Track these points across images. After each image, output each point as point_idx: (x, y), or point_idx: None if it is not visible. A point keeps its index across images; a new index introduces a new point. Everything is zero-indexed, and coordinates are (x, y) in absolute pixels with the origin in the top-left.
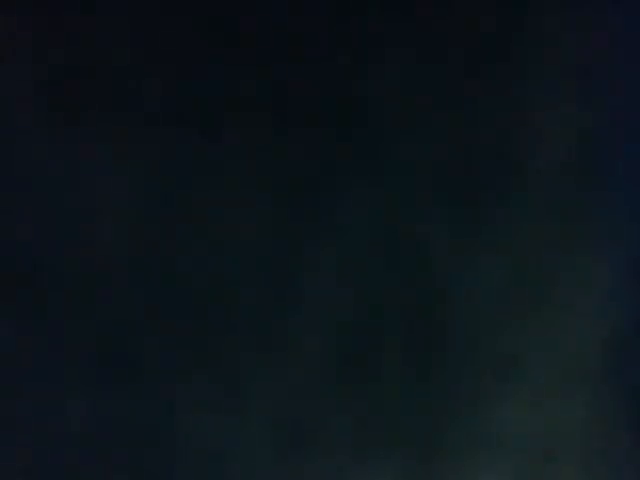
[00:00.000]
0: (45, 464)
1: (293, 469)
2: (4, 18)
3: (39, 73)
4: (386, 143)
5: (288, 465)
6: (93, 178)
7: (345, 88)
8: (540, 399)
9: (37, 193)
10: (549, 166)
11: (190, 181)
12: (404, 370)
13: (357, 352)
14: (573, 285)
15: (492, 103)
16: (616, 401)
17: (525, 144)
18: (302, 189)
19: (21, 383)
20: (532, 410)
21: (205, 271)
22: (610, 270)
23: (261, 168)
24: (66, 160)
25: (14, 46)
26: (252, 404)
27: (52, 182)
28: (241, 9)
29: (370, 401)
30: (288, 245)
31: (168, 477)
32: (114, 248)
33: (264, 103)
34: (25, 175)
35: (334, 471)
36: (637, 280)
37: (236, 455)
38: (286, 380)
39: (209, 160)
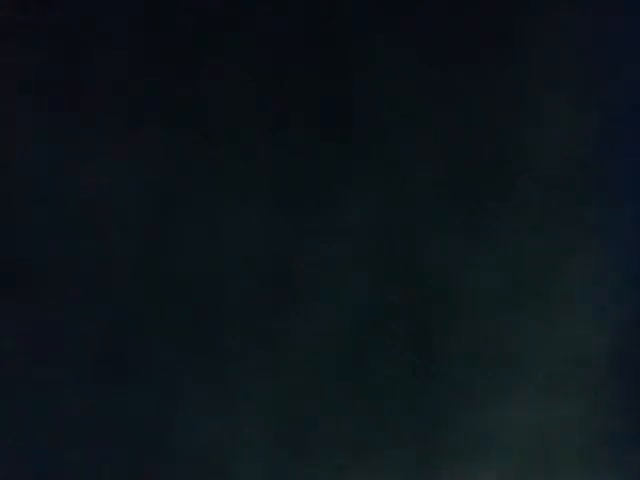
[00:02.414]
0: (44, 464)
1: (293, 469)
2: (4, 18)
3: (39, 73)
4: (386, 143)
5: (288, 465)
6: (93, 178)
7: (345, 88)
8: (540, 399)
9: (37, 193)
10: (549, 166)
11: (190, 181)
12: (404, 370)
13: (357, 352)
14: (573, 285)
15: (492, 103)
16: (616, 401)
17: (525, 144)
18: (302, 189)
19: (20, 383)
20: (532, 410)
21: (205, 271)
22: (610, 270)
23: (261, 168)
24: (66, 160)
25: (14, 46)
26: (252, 404)
27: (52, 182)
28: (242, 9)
29: (370, 401)
30: (288, 245)
31: (167, 477)
32: (114, 248)
33: (264, 103)
34: (25, 175)
35: (334, 471)
36: (637, 280)
37: (235, 455)
38: (286, 380)
39: (209, 160)
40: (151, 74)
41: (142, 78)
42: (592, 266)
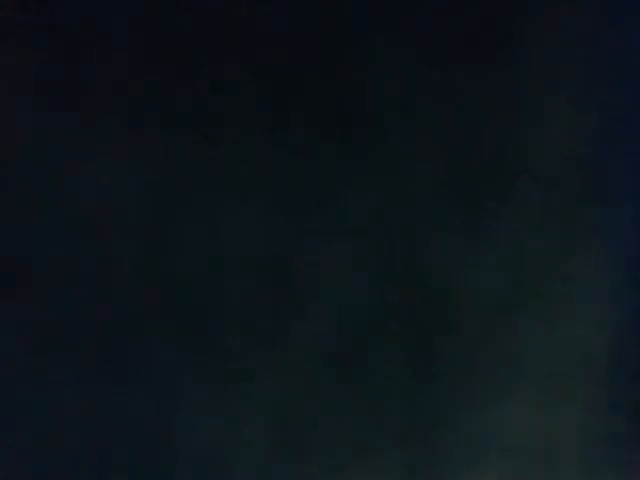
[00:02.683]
0: (43, 464)
1: (293, 469)
2: (4, 18)
3: (39, 73)
4: (386, 143)
5: (288, 465)
6: (93, 178)
7: (345, 87)
8: (540, 399)
9: (37, 193)
10: (549, 166)
11: (190, 181)
12: (404, 370)
13: (357, 352)
14: (573, 285)
15: (492, 103)
16: (616, 401)
17: (525, 144)
18: (302, 189)
19: (20, 383)
20: (532, 410)
21: (205, 271)
22: (610, 270)
23: (261, 168)
24: (66, 160)
25: (14, 46)
26: (252, 404)
27: (52, 182)
28: (242, 9)
29: (370, 401)
30: (288, 245)
31: (167, 477)
32: (114, 248)
33: (264, 103)
34: (25, 175)
35: (334, 471)
36: (637, 280)
37: (235, 455)
38: (286, 380)
39: (209, 160)
40: (151, 74)
41: (142, 78)
42: (592, 266)
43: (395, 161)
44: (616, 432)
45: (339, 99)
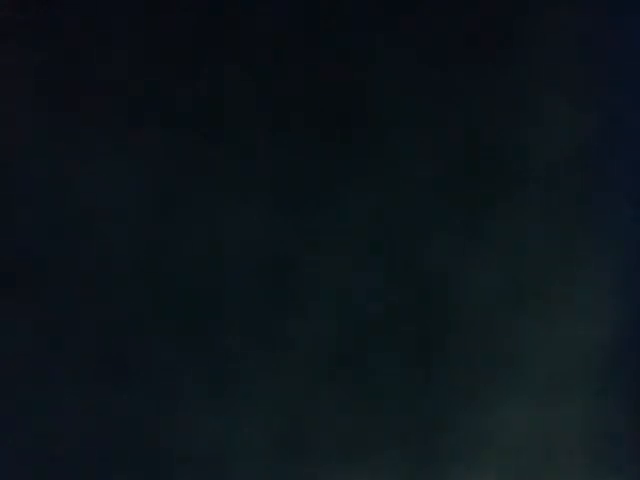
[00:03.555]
0: (44, 464)
1: (293, 469)
2: (4, 18)
3: (39, 73)
4: (386, 143)
5: (288, 465)
6: (93, 178)
7: (345, 88)
8: (540, 399)
9: (37, 193)
10: (549, 166)
11: (190, 181)
12: (404, 370)
13: (357, 352)
14: (573, 285)
15: (492, 103)
16: (616, 400)
17: (525, 144)
18: (302, 189)
19: (20, 383)
20: (532, 410)
21: (205, 271)
22: (610, 270)
23: (261, 168)
24: (66, 160)
25: (14, 46)
26: (252, 404)
27: (52, 182)
28: (242, 9)
29: (370, 401)
30: (287, 245)
31: (167, 477)
32: (114, 248)
33: (264, 103)
34: (25, 175)
35: (334, 471)
36: (637, 280)
37: (235, 455)
38: (286, 380)
39: (209, 160)
40: (151, 74)
41: (142, 78)
42: (592, 266)
43: (395, 161)
44: (616, 432)
45: (339, 99)
